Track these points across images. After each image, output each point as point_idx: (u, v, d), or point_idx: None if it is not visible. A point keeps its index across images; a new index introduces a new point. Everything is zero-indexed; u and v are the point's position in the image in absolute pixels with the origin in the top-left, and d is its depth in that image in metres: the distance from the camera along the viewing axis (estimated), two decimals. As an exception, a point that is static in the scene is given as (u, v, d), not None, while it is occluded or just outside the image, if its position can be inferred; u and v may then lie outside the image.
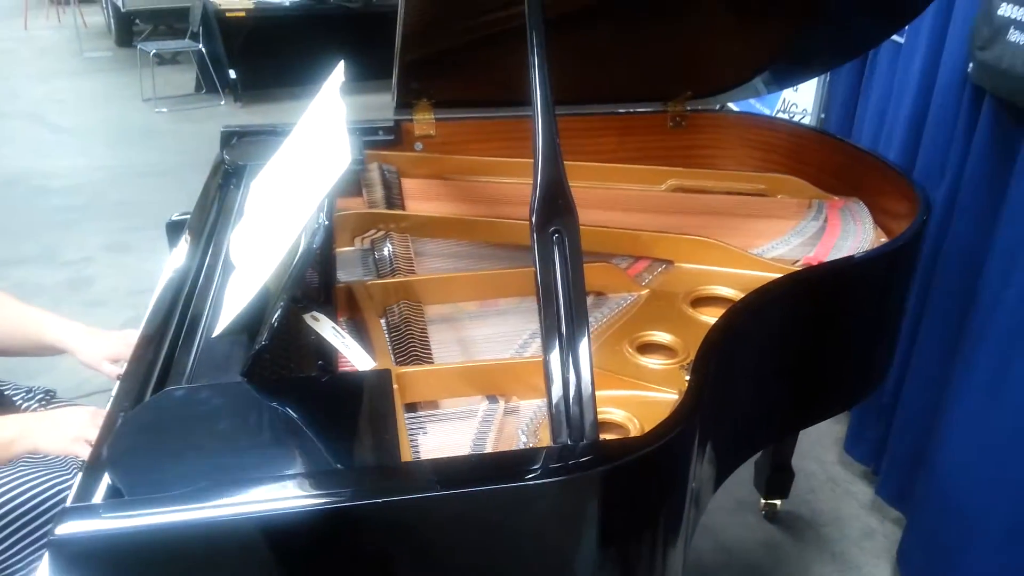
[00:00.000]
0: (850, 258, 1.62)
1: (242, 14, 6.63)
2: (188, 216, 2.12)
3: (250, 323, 1.17)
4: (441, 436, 1.18)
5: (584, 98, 2.23)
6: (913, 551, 2.15)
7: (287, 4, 6.91)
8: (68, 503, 0.96)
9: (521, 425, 1.21)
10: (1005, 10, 1.71)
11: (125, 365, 1.49)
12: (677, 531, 1.08)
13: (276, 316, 1.06)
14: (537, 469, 0.91)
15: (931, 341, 2.19)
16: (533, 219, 1.01)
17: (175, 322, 1.31)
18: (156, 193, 4.78)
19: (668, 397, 1.27)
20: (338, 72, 1.50)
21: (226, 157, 1.96)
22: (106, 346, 1.52)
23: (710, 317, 1.51)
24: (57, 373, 1.84)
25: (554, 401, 0.98)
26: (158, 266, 1.62)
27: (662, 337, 1.43)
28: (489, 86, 2.09)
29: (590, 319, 1.48)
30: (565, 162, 2.17)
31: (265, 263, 1.18)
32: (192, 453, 0.95)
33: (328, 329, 1.20)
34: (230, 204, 1.75)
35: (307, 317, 1.20)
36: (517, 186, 2.02)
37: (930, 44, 2.16)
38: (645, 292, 1.59)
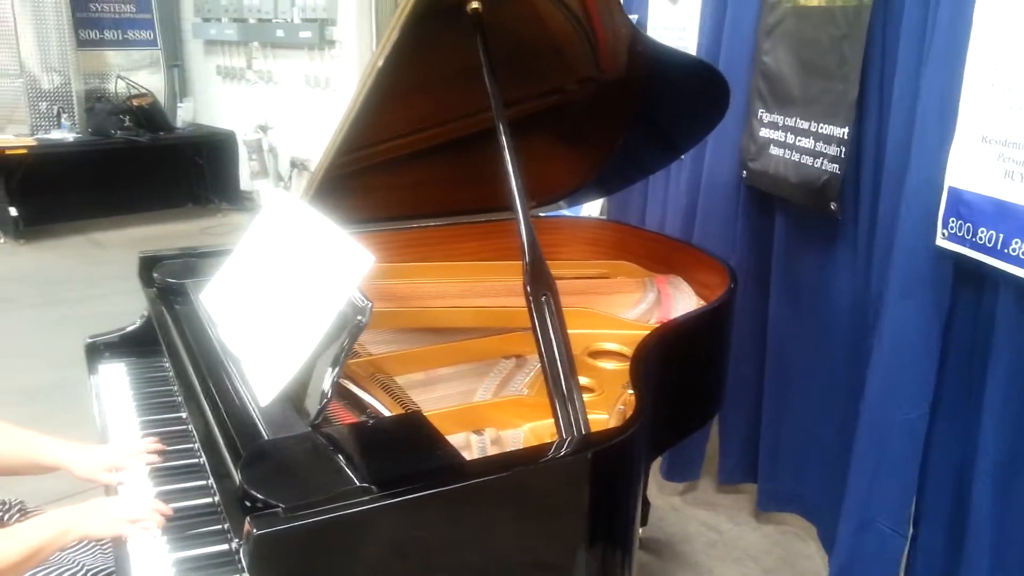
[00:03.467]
0: (700, 310, 2.18)
1: (23, 151, 6.48)
2: (102, 338, 2.32)
3: (293, 390, 1.49)
4: (452, 462, 1.54)
5: (448, 211, 2.71)
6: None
7: (71, 140, 6.85)
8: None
9: (508, 446, 1.60)
10: (764, 132, 2.44)
11: (123, 473, 1.68)
12: (636, 510, 1.52)
13: (335, 375, 1.40)
14: (565, 449, 1.33)
15: (775, 373, 2.85)
16: (528, 288, 1.46)
17: (208, 404, 1.58)
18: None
19: (602, 417, 1.73)
20: (280, 197, 1.88)
21: (156, 278, 2.21)
22: (101, 459, 1.65)
23: (606, 363, 2.00)
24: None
25: (559, 411, 1.41)
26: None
27: (581, 380, 1.89)
28: (368, 206, 2.51)
29: (523, 375, 1.92)
30: (439, 263, 2.63)
31: (297, 344, 1.50)
32: (311, 476, 1.27)
33: (355, 389, 1.55)
34: (187, 315, 2.00)
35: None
36: (402, 285, 2.44)
37: (694, 161, 2.92)
38: (552, 352, 2.05)
